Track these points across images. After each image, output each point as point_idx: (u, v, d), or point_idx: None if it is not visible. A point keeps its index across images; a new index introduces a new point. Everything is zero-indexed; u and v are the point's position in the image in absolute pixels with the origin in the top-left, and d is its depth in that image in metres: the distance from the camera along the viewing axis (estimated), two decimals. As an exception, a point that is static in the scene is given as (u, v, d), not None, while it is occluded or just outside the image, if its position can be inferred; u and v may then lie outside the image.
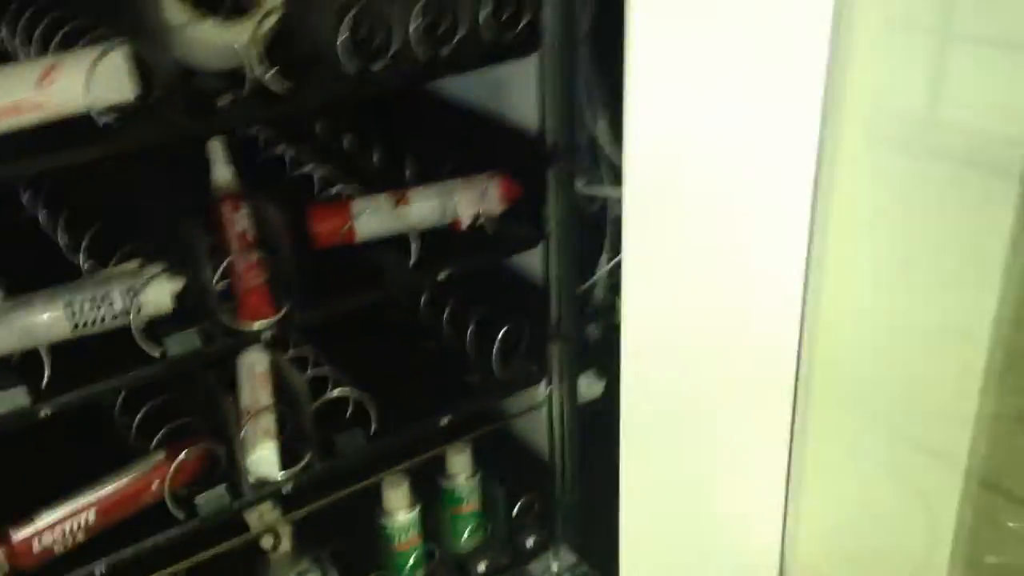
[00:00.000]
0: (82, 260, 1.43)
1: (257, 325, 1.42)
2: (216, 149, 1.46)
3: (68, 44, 1.24)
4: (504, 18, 1.46)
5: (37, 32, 1.27)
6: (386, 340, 1.79)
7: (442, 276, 1.56)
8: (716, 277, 1.16)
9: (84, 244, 1.44)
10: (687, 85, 1.10)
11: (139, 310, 1.33)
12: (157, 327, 1.36)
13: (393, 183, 1.62)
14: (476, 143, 1.71)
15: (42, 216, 1.60)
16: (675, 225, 1.18)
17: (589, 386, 1.89)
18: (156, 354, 1.34)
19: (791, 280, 1.08)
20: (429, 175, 1.64)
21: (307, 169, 1.73)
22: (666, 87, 1.12)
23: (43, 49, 1.26)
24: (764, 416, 1.19)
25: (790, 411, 1.16)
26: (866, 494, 1.21)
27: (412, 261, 1.53)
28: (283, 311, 1.42)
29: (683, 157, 1.14)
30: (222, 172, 1.46)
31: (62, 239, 1.51)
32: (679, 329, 1.22)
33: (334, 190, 1.65)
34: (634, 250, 1.22)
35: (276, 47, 1.33)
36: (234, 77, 1.28)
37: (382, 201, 1.56)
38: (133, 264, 1.38)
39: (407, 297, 1.77)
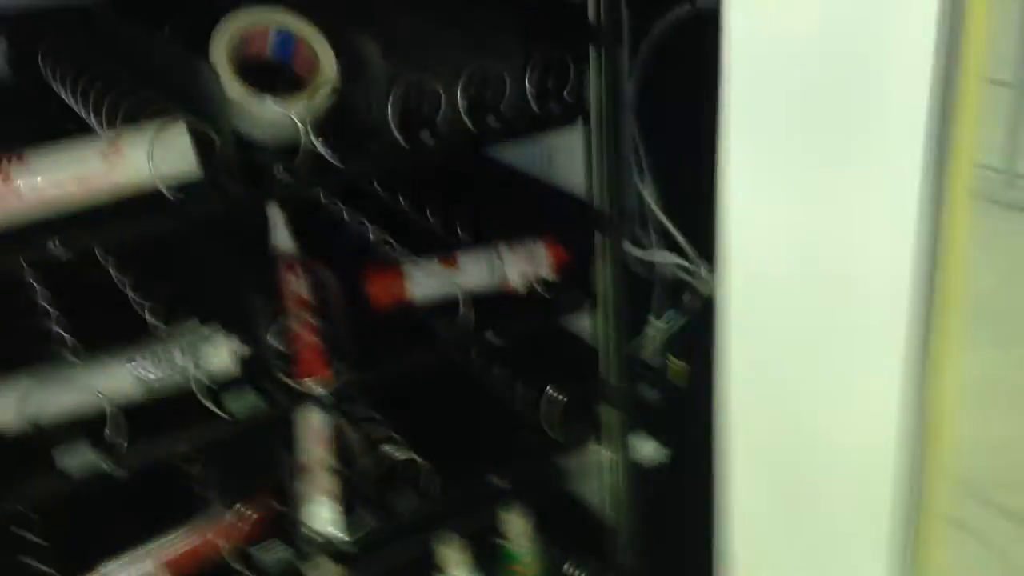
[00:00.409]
0: (150, 318, 1.50)
1: (313, 385, 1.47)
2: (276, 216, 1.53)
3: (131, 118, 1.32)
4: (550, 87, 1.51)
5: (103, 107, 1.36)
6: (442, 399, 1.82)
7: (492, 338, 1.59)
8: (817, 369, 1.14)
9: (153, 306, 1.52)
10: (786, 160, 1.10)
11: (202, 371, 1.39)
12: (219, 388, 1.42)
13: (445, 246, 1.67)
14: (525, 206, 1.75)
15: (115, 276, 1.69)
16: (777, 316, 1.16)
17: (646, 447, 1.88)
18: (221, 414, 1.39)
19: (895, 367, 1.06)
20: (479, 238, 1.68)
21: (364, 231, 1.80)
22: (764, 170, 1.11)
23: (108, 122, 1.35)
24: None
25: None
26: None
27: (462, 324, 1.56)
28: (338, 372, 1.47)
29: (780, 241, 1.12)
30: (281, 238, 1.53)
31: (134, 298, 1.59)
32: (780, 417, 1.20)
33: (389, 253, 1.71)
34: (736, 345, 1.20)
35: (330, 120, 1.40)
36: (290, 150, 1.35)
37: (433, 265, 1.60)
38: (197, 325, 1.45)
39: (459, 358, 1.81)
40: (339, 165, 1.37)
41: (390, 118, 1.38)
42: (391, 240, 1.76)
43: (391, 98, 1.37)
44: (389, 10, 1.57)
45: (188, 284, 1.59)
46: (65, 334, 1.47)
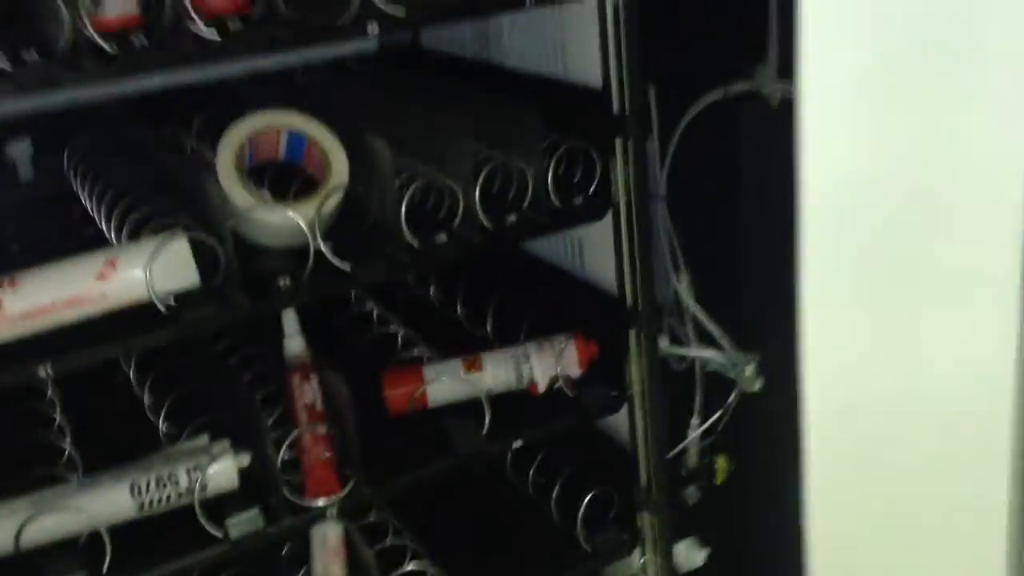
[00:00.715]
0: (164, 428, 1.45)
1: (322, 502, 1.38)
2: (289, 321, 1.46)
3: (136, 229, 1.28)
4: (574, 181, 1.44)
5: (112, 216, 1.32)
6: (467, 504, 1.72)
7: (516, 445, 1.50)
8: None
9: (165, 418, 1.46)
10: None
11: (204, 489, 1.32)
12: (223, 504, 1.35)
13: (470, 343, 1.59)
14: (554, 300, 1.66)
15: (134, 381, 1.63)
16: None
17: (690, 554, 1.76)
18: (219, 535, 1.32)
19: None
20: (505, 335, 1.60)
21: (386, 327, 1.72)
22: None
23: (116, 232, 1.31)
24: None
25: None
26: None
27: (484, 430, 1.47)
28: (349, 488, 1.39)
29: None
30: (293, 343, 1.46)
31: (148, 401, 1.53)
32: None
33: (411, 353, 1.63)
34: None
35: (341, 221, 1.34)
36: (299, 254, 1.29)
37: (455, 367, 1.52)
38: (201, 441, 1.38)
39: (483, 464, 1.71)
40: (348, 271, 1.30)
41: (402, 219, 1.31)
42: (414, 336, 1.68)
43: (402, 198, 1.31)
44: (402, 103, 1.52)
45: (200, 389, 1.53)
46: (69, 449, 1.41)
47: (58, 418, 1.50)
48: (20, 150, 1.71)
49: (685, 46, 1.51)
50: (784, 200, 1.37)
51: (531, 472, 1.65)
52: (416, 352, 1.64)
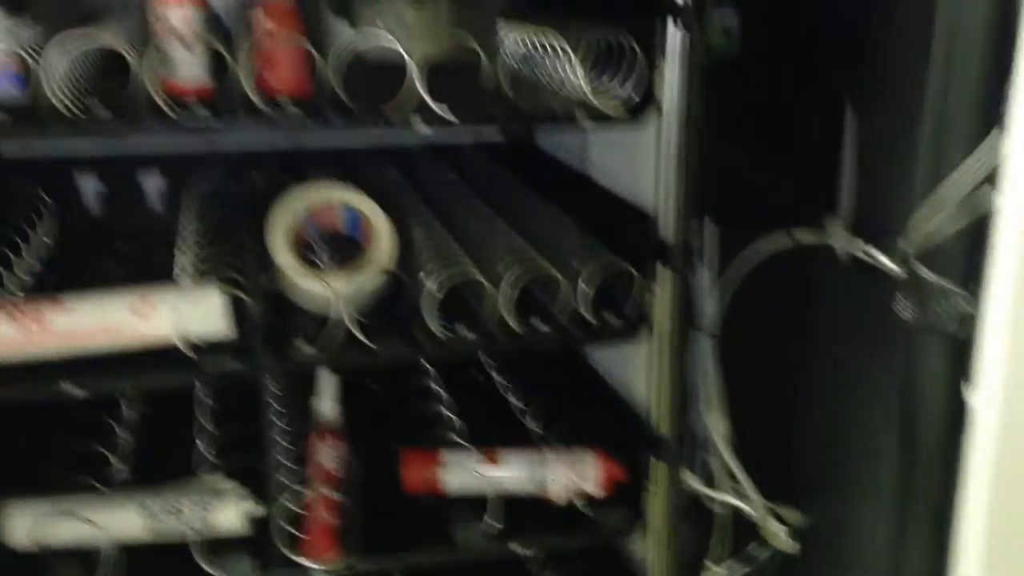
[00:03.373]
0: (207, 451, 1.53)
1: (316, 565, 1.42)
2: (324, 381, 1.53)
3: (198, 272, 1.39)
4: (614, 298, 1.44)
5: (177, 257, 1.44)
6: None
7: (518, 549, 1.49)
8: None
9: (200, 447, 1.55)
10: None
11: (206, 526, 1.39)
12: (225, 544, 1.41)
13: (512, 436, 1.60)
14: (582, 414, 1.65)
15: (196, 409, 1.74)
16: None
17: None
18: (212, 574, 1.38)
19: None
20: (533, 435, 1.60)
21: (433, 403, 1.76)
22: None
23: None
24: None
25: None
26: None
27: (489, 528, 1.47)
28: (346, 554, 1.42)
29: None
30: (324, 405, 1.53)
31: (201, 429, 1.63)
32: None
33: (445, 432, 1.66)
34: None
35: (378, 299, 1.40)
36: (327, 321, 1.36)
37: (471, 457, 1.54)
38: (217, 479, 1.46)
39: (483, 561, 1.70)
40: (372, 346, 1.35)
41: (432, 308, 1.36)
42: (453, 418, 1.71)
43: (435, 291, 1.35)
44: (449, 198, 1.57)
45: (245, 429, 1.62)
46: (114, 461, 1.52)
47: (118, 432, 1.63)
48: (151, 183, 1.90)
49: (756, 186, 1.49)
50: (843, 357, 1.32)
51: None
52: (449, 434, 1.66)
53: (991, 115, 1.13)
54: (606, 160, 1.62)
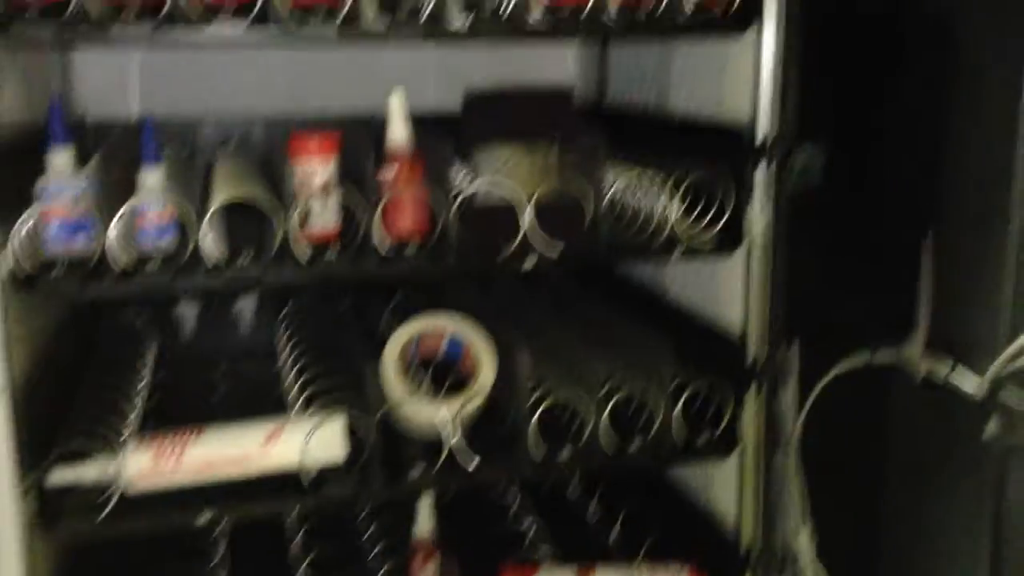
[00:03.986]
0: None
1: None
2: (423, 507, 1.59)
3: (305, 398, 1.46)
4: (703, 416, 1.50)
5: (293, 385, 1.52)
6: None
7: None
8: None
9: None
10: None
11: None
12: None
13: (596, 550, 1.65)
14: (667, 529, 1.70)
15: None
16: None
17: None
18: None
19: None
20: (626, 550, 1.65)
21: (521, 522, 1.81)
22: None
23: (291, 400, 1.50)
24: None
25: None
26: None
27: (586, 643, 1.51)
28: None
29: None
30: (423, 525, 1.59)
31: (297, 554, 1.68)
32: None
33: (536, 549, 1.71)
34: None
35: (482, 420, 1.47)
36: (434, 446, 1.42)
37: (569, 573, 1.58)
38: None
39: None
40: (475, 471, 1.41)
41: (530, 432, 1.42)
42: (544, 534, 1.76)
43: (535, 411, 1.42)
44: (548, 320, 1.65)
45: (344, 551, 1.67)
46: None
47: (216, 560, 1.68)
48: (242, 306, 2.00)
49: (837, 305, 1.58)
50: (925, 477, 1.37)
51: None
52: (540, 552, 1.71)
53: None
54: (687, 284, 1.71)
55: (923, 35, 1.49)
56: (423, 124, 1.43)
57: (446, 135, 1.43)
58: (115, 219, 1.22)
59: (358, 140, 1.39)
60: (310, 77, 1.86)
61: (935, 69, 1.46)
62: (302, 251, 1.29)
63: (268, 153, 1.61)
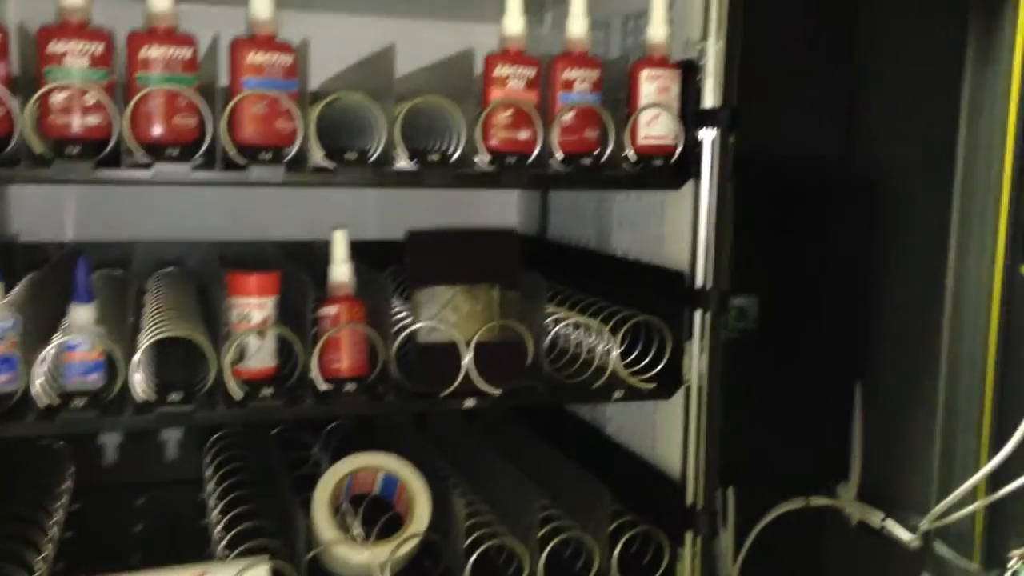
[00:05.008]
0: None
1: None
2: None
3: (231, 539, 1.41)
4: (642, 562, 1.48)
5: (219, 526, 1.46)
6: None
7: None
8: None
9: None
10: None
11: None
12: None
13: None
14: None
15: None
16: None
17: None
18: None
19: None
20: None
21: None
22: None
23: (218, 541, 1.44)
24: None
25: None
26: None
27: None
28: None
29: None
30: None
31: None
32: None
33: None
34: None
35: (417, 560, 1.43)
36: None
37: None
38: None
39: None
40: (411, 615, 1.37)
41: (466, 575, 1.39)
42: None
43: (471, 554, 1.39)
44: (486, 457, 1.63)
45: None
46: None
47: None
48: (168, 434, 1.93)
49: (770, 453, 1.59)
50: None
51: None
52: None
53: (1000, 409, 1.26)
54: (626, 423, 1.71)
55: (853, 192, 1.56)
56: (365, 252, 1.43)
57: (388, 272, 1.43)
58: (39, 358, 1.18)
59: (298, 275, 1.38)
60: (250, 203, 1.85)
61: (864, 224, 1.52)
62: (236, 390, 1.26)
63: (205, 281, 1.58)
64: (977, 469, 1.32)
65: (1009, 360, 1.26)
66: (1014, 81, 1.30)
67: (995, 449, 1.30)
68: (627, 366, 1.45)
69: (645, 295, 1.50)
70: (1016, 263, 1.25)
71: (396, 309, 1.42)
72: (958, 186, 1.38)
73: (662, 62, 1.40)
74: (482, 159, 1.33)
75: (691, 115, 1.41)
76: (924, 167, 1.44)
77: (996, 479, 1.28)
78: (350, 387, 1.32)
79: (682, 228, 1.46)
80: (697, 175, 1.41)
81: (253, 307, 1.28)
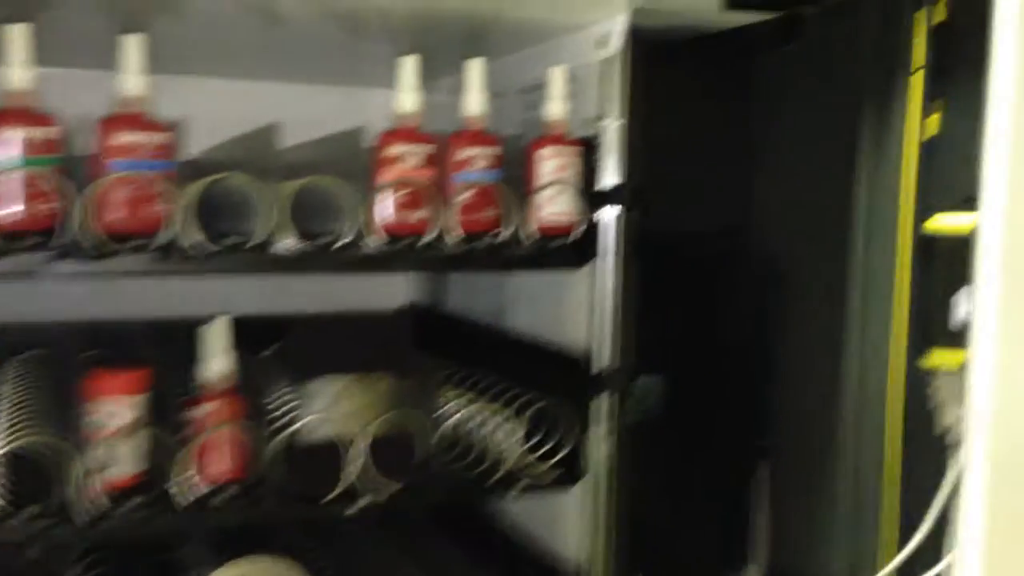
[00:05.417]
0: None
1: None
2: None
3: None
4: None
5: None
6: None
7: None
8: None
9: None
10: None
11: None
12: None
13: None
14: None
15: None
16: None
17: None
18: None
19: None
20: None
21: None
22: None
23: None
24: None
25: None
26: None
27: None
28: None
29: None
30: None
31: None
32: None
33: None
34: None
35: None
36: None
37: None
38: None
39: None
40: None
41: None
42: None
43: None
44: (383, 559, 1.54)
45: None
46: None
47: None
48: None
49: (679, 534, 1.54)
50: None
51: None
52: None
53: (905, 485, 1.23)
54: (530, 515, 1.63)
55: (752, 272, 1.53)
56: (251, 328, 1.32)
57: (275, 348, 1.33)
58: None
59: (170, 368, 1.26)
60: (121, 278, 1.71)
61: (763, 304, 1.50)
62: (97, 503, 1.14)
63: (66, 373, 1.45)
64: (885, 551, 1.29)
65: (915, 437, 1.24)
66: (908, 159, 1.30)
67: (905, 529, 1.27)
68: (528, 451, 1.38)
69: (545, 379, 1.43)
70: (917, 348, 1.24)
71: (283, 398, 1.32)
72: (857, 264, 1.37)
73: (560, 139, 1.35)
74: (374, 241, 1.25)
75: (592, 193, 1.37)
76: (822, 244, 1.42)
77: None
78: (224, 494, 1.21)
79: (582, 309, 1.40)
80: (597, 255, 1.36)
81: (119, 408, 1.16)
